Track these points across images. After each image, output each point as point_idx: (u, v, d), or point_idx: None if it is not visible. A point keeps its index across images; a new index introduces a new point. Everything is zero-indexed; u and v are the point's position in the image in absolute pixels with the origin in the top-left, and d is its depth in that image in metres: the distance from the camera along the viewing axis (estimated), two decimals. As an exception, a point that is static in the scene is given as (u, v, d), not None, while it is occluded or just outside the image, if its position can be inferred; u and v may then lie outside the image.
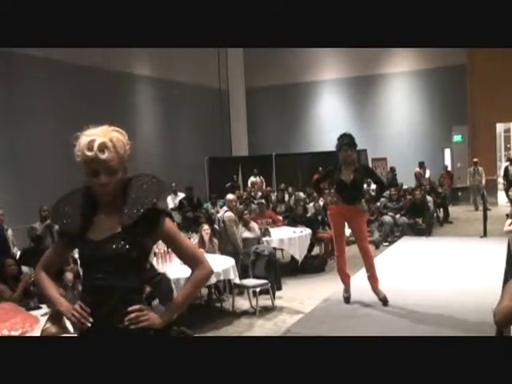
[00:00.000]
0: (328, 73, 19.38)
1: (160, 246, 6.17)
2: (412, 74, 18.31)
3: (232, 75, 19.76)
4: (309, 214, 10.95)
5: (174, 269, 5.99)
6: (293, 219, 10.49)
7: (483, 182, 15.62)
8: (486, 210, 10.15)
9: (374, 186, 15.24)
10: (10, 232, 8.51)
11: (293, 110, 19.76)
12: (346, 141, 4.96)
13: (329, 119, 19.23)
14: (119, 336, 2.02)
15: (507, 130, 22.33)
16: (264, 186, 16.14)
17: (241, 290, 7.43)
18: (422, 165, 16.21)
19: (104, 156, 1.98)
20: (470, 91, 17.31)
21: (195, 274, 2.18)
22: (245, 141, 20.29)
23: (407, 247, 7.50)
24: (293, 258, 9.30)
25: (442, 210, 14.09)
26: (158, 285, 4.72)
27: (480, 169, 15.73)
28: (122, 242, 2.05)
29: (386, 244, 10.54)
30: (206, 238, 7.62)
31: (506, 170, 16.15)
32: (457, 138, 17.76)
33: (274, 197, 14.32)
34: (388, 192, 13.46)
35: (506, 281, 5.07)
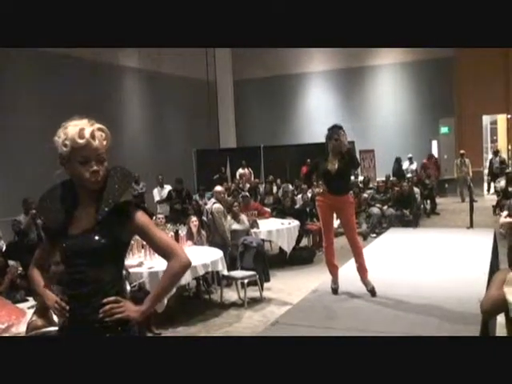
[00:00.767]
0: (316, 65, 19.37)
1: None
2: (399, 66, 18.36)
3: (220, 67, 19.67)
4: (297, 206, 10.97)
5: (163, 261, 5.97)
6: (281, 211, 10.50)
7: (470, 173, 15.74)
8: (472, 201, 10.23)
9: (361, 178, 15.36)
10: (-5, 225, 8.45)
11: (280, 102, 19.74)
12: (338, 130, 4.95)
13: (316, 111, 19.25)
14: (94, 329, 2.04)
15: (493, 122, 22.48)
16: (252, 178, 16.14)
17: (229, 281, 7.44)
18: (410, 160, 16.41)
19: (96, 143, 2.04)
20: (456, 83, 17.41)
21: (171, 266, 2.16)
22: (233, 133, 20.24)
23: (394, 238, 7.53)
24: (281, 249, 9.31)
25: (429, 201, 14.19)
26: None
27: (467, 160, 15.84)
28: (97, 236, 2.07)
29: (374, 235, 10.59)
30: (194, 229, 7.61)
31: (491, 162, 16.37)
32: (444, 129, 17.87)
33: (262, 189, 14.32)
34: (375, 184, 13.54)
35: (492, 271, 5.12)
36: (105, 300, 2.05)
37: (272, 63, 19.19)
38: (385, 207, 11.78)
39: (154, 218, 6.87)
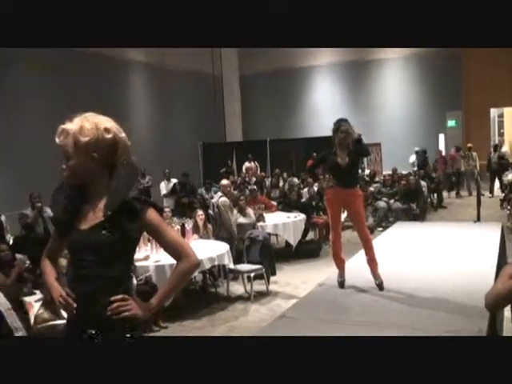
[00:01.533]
0: (322, 58, 19.28)
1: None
2: (406, 59, 18.25)
3: (226, 61, 19.61)
4: (303, 200, 10.95)
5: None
6: (287, 204, 10.49)
7: (477, 167, 15.61)
8: (479, 195, 10.18)
9: (367, 171, 15.30)
10: (3, 218, 8.48)
11: (287, 96, 19.69)
12: (344, 123, 4.92)
13: (323, 104, 19.18)
14: (101, 327, 2.03)
15: (501, 115, 22.33)
16: (258, 172, 16.13)
17: (235, 275, 7.44)
18: (417, 153, 16.22)
19: (58, 140, 2.07)
20: (464, 76, 17.29)
21: (180, 265, 2.14)
22: (239, 126, 20.21)
23: (401, 232, 7.50)
24: (287, 243, 9.31)
25: (435, 195, 14.11)
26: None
27: (474, 154, 15.71)
28: (104, 232, 2.05)
29: (380, 229, 10.56)
30: (201, 223, 7.62)
31: (489, 158, 15.56)
32: (451, 123, 17.76)
33: (268, 182, 14.31)
34: (382, 177, 13.49)
35: (499, 265, 5.09)
36: (112, 298, 2.02)
37: (278, 57, 19.10)
38: (391, 201, 11.74)
39: (161, 211, 6.86)
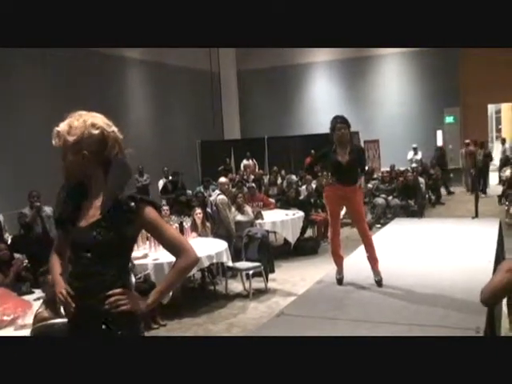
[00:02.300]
0: (320, 55, 19.24)
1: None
2: (404, 55, 18.23)
3: (223, 57, 19.58)
4: (301, 197, 10.96)
5: (168, 253, 5.98)
6: (285, 202, 10.50)
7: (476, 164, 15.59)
8: (477, 190, 10.20)
9: (366, 168, 15.27)
10: (1, 217, 8.48)
11: (285, 93, 19.66)
12: (341, 120, 4.92)
13: (321, 101, 19.16)
14: (100, 322, 2.04)
15: (498, 111, 22.36)
16: (256, 169, 16.12)
17: (234, 272, 7.45)
18: (415, 150, 16.21)
19: (54, 142, 2.12)
20: (461, 73, 17.27)
21: (179, 262, 2.15)
22: (237, 124, 20.19)
23: (399, 229, 7.52)
24: (286, 240, 9.32)
25: (439, 190, 14.08)
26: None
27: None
28: (101, 230, 2.06)
29: (379, 226, 10.57)
30: (199, 221, 7.62)
31: (475, 157, 15.20)
32: (449, 119, 17.76)
33: (266, 180, 14.31)
34: (380, 174, 13.49)
35: (497, 261, 5.11)
36: (110, 292, 2.04)
37: (276, 53, 19.05)
38: (390, 197, 11.75)
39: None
